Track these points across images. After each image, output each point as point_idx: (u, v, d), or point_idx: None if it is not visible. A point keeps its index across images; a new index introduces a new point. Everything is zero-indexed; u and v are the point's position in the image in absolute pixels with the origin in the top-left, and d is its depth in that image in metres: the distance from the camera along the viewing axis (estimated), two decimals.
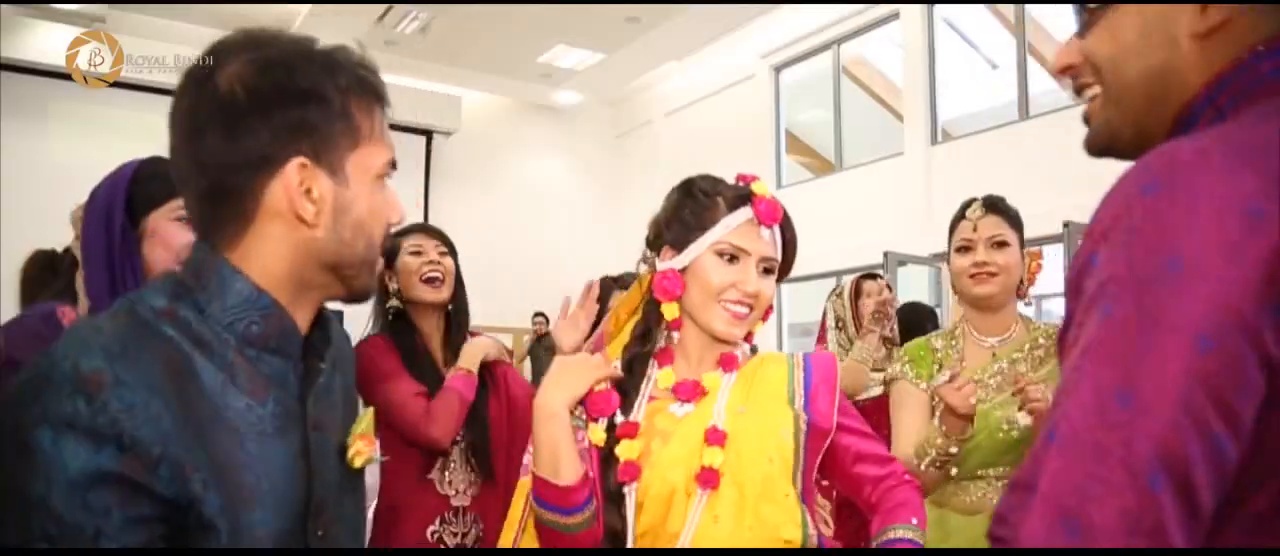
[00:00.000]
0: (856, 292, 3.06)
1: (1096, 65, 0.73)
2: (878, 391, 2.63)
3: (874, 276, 3.13)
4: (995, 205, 1.83)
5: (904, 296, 6.94)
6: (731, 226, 1.25)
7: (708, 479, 1.19)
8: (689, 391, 1.28)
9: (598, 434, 1.24)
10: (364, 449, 0.91)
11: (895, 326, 3.07)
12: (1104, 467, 0.56)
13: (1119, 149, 0.74)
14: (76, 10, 7.67)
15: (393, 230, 0.90)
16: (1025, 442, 1.68)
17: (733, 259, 1.26)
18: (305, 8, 8.07)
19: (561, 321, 1.77)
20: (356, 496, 0.94)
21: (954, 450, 1.63)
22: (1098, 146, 0.76)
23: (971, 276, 1.80)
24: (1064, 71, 0.77)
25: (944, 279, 7.44)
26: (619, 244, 10.20)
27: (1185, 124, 0.67)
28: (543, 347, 8.67)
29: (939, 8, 7.61)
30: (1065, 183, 6.10)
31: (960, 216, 1.86)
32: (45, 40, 7.43)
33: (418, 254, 2.02)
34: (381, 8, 8.03)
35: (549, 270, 8.79)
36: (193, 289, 0.80)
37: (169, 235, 1.31)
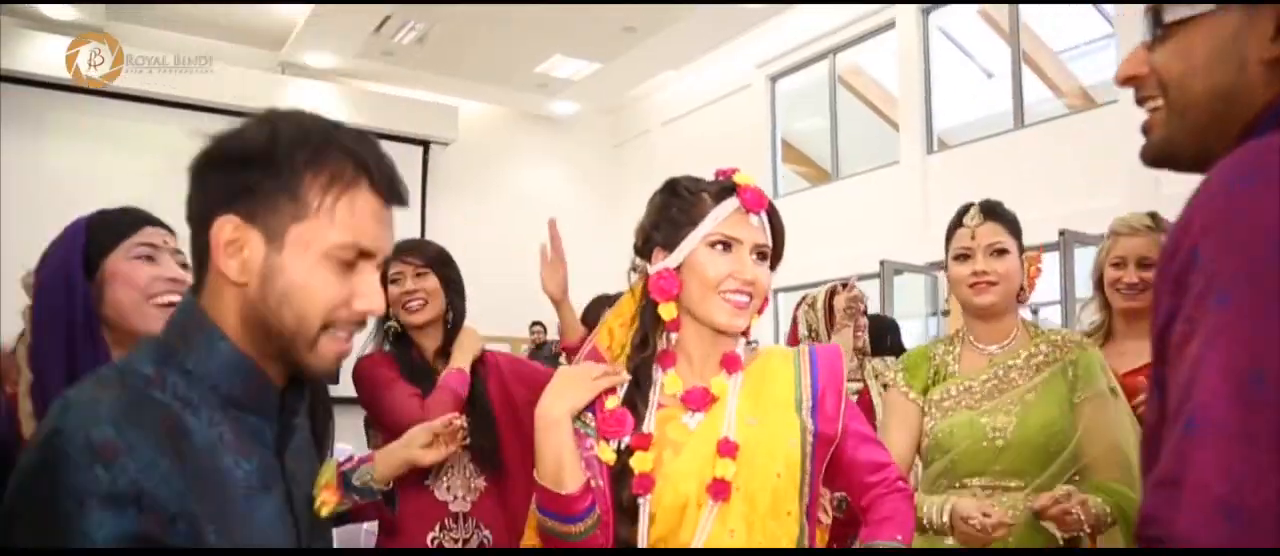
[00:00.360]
0: (831, 302, 3.05)
1: (1164, 81, 0.74)
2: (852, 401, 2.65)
3: (847, 284, 3.13)
4: (993, 211, 1.81)
5: (901, 305, 6.98)
6: (721, 217, 1.26)
7: (719, 490, 1.20)
8: (699, 399, 1.27)
9: (607, 453, 1.24)
10: (329, 499, 0.94)
11: (866, 337, 3.08)
12: (1255, 450, 0.56)
13: (1177, 162, 0.76)
14: (74, 21, 7.68)
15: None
16: (1009, 451, 1.67)
17: (726, 248, 1.26)
18: (302, 18, 8.08)
19: (544, 271, 1.84)
20: (325, 542, 0.99)
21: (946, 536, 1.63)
22: (1155, 157, 0.78)
23: (970, 285, 1.77)
24: (1128, 81, 0.78)
25: (941, 287, 7.45)
26: (617, 252, 10.11)
27: (1253, 135, 0.69)
28: (542, 357, 8.66)
29: (934, 17, 7.64)
30: (1061, 190, 6.13)
31: (958, 223, 1.83)
32: (43, 51, 7.44)
33: (396, 282, 2.04)
34: (378, 19, 8.04)
35: None
36: (177, 351, 0.83)
37: (130, 273, 1.31)
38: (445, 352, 2.06)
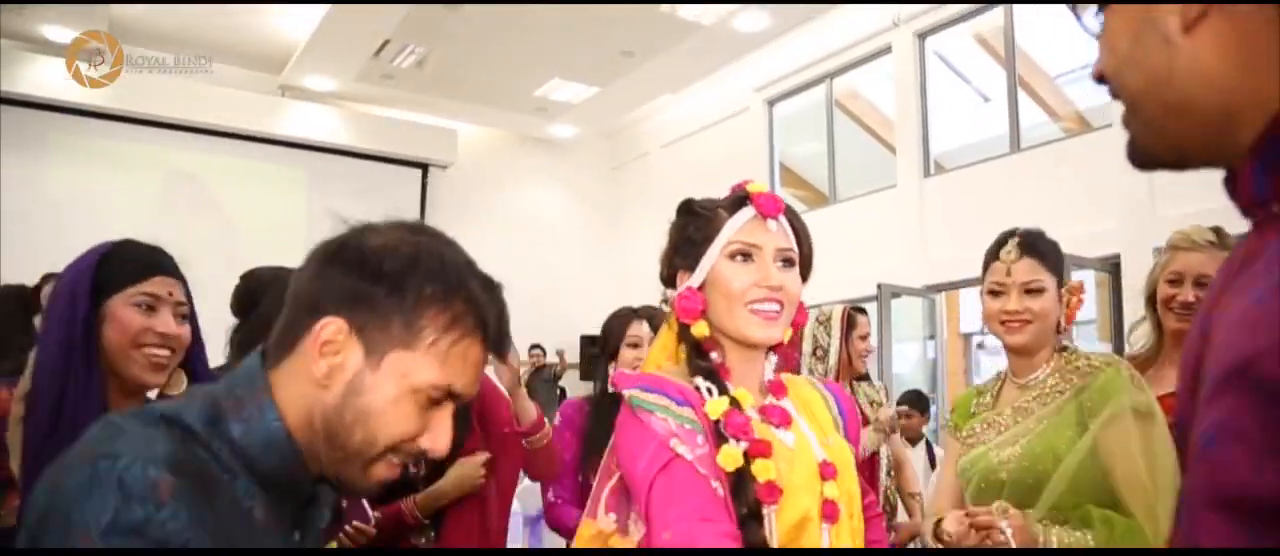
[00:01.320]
0: (848, 324, 3.04)
1: (1106, 78, 0.67)
2: None
3: (863, 310, 3.14)
4: (1032, 246, 1.72)
5: (898, 328, 6.98)
6: (738, 225, 1.24)
7: (831, 512, 1.19)
8: (779, 416, 1.24)
9: (734, 456, 1.16)
10: None
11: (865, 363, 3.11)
12: None
13: (1157, 162, 0.67)
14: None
15: None
16: (1011, 484, 1.62)
17: (747, 257, 1.23)
18: (302, 42, 8.13)
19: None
20: None
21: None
22: (1135, 160, 0.69)
23: (1002, 323, 1.70)
24: (1100, 80, 0.70)
25: (938, 311, 7.46)
26: (615, 274, 10.22)
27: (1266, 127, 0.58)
28: (541, 379, 8.65)
29: (930, 42, 7.69)
30: (1058, 214, 6.13)
31: (994, 255, 1.75)
32: (44, 73, 7.49)
33: None
34: (378, 43, 8.09)
35: (546, 301, 8.79)
36: (227, 415, 0.82)
37: (126, 320, 1.36)
38: None
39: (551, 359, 9.10)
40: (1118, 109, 0.72)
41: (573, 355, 9.21)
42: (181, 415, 0.80)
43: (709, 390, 1.21)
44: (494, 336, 0.87)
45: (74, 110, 7.79)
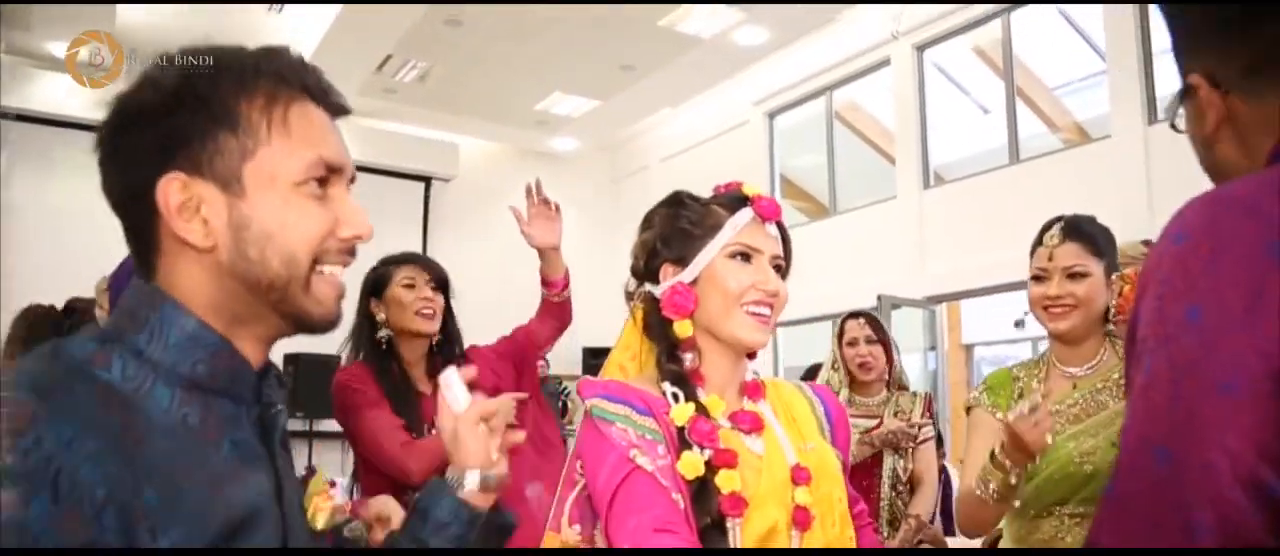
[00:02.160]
0: (840, 332, 3.06)
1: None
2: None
3: (856, 314, 3.14)
4: (1076, 229, 1.69)
5: (899, 339, 6.95)
6: (739, 225, 1.20)
7: (803, 519, 1.14)
8: (751, 422, 1.19)
9: (696, 464, 1.11)
10: (323, 504, 0.89)
11: (900, 370, 3.09)
12: (1155, 524, 0.56)
13: None
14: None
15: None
16: (1099, 477, 1.57)
17: (747, 258, 1.19)
18: (305, 57, 8.18)
19: (531, 225, 1.93)
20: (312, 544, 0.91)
21: (1013, 481, 1.52)
22: None
23: (1045, 308, 1.68)
24: None
25: (938, 321, 7.47)
26: (615, 286, 10.11)
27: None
28: (545, 392, 8.65)
29: (929, 54, 7.73)
30: None
31: (1038, 241, 1.73)
32: (50, 90, 7.55)
33: (411, 287, 2.04)
34: (380, 57, 8.14)
35: None
36: (126, 331, 0.70)
37: None
38: (432, 371, 2.02)
39: (553, 372, 9.11)
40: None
41: (575, 366, 9.22)
42: (70, 342, 0.69)
43: (675, 396, 1.16)
44: (319, 90, 0.78)
45: (78, 125, 7.84)
